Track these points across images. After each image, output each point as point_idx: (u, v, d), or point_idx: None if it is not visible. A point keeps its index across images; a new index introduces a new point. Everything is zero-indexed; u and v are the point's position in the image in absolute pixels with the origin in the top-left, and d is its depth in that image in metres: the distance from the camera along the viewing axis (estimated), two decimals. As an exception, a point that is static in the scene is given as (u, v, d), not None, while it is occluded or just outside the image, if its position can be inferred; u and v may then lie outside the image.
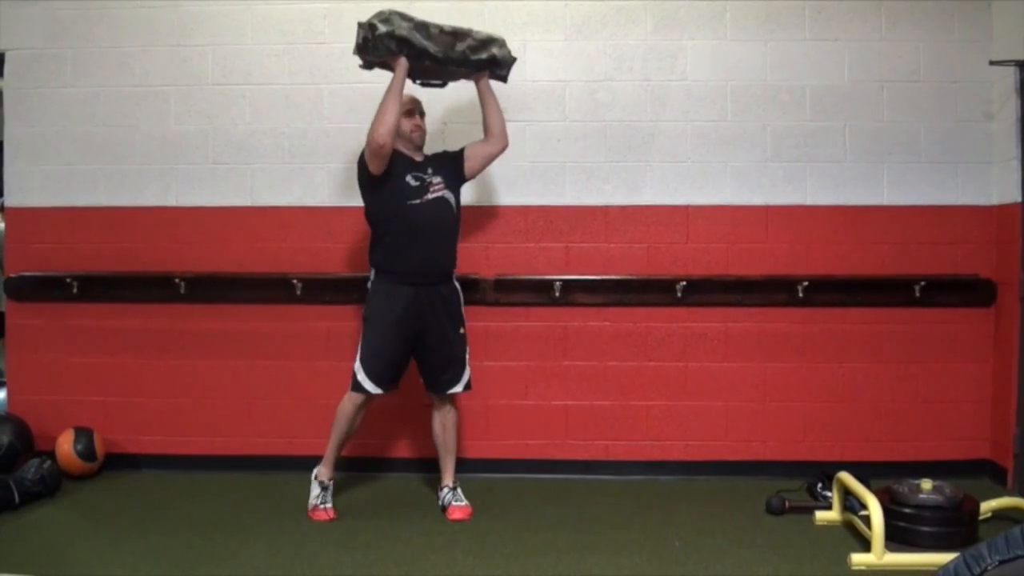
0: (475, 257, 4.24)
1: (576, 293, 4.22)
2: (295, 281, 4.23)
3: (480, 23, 4.19)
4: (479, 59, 3.63)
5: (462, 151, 3.80)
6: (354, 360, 3.63)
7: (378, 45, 3.44)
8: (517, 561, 3.16)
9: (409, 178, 3.60)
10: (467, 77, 3.75)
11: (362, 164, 3.58)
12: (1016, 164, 4.00)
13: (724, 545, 3.30)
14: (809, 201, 4.22)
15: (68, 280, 4.29)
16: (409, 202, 3.57)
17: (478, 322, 4.19)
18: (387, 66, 3.58)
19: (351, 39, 4.20)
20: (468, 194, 4.19)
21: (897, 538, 3.16)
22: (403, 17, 3.45)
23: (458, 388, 3.75)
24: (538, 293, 4.23)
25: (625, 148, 4.25)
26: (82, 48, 4.34)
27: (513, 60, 3.75)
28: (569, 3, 4.25)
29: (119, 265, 4.34)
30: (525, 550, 3.26)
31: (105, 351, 4.35)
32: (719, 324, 4.23)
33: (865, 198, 4.20)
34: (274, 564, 3.13)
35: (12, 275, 4.36)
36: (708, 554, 3.22)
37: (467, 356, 3.78)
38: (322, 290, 4.25)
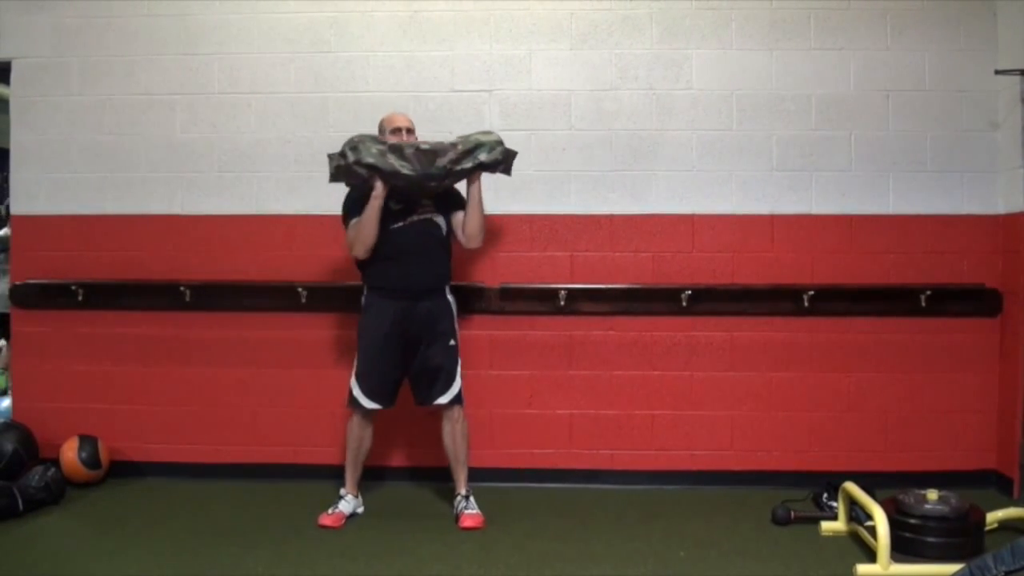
0: (480, 266, 4.25)
1: (581, 302, 4.22)
2: (300, 289, 4.23)
3: (485, 32, 4.23)
4: (464, 169, 3.63)
5: (459, 202, 3.80)
6: (350, 376, 3.73)
7: (350, 172, 3.54)
8: (521, 570, 3.16)
9: (391, 203, 3.66)
10: (460, 180, 3.73)
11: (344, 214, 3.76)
12: (1022, 173, 4.00)
13: (729, 556, 3.30)
14: (815, 210, 4.21)
15: (74, 288, 4.30)
16: (392, 226, 3.66)
17: (483, 331, 4.20)
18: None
19: (357, 47, 4.28)
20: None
21: (903, 549, 3.15)
22: (374, 141, 3.55)
23: (444, 399, 3.73)
24: (543, 302, 4.23)
25: (630, 157, 4.25)
26: (88, 57, 4.36)
27: (512, 154, 3.72)
28: (575, 12, 4.25)
29: (125, 273, 4.35)
30: (529, 560, 3.26)
31: (110, 359, 4.36)
32: (724, 333, 4.22)
33: (870, 207, 4.20)
34: (279, 572, 3.13)
35: (18, 283, 4.37)
36: (713, 565, 3.21)
37: (457, 369, 3.76)
38: (327, 298, 4.25)
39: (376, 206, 3.56)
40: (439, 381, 3.73)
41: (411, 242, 3.69)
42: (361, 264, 3.74)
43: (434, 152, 3.57)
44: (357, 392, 3.70)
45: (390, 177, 3.54)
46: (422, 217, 3.72)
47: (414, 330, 3.69)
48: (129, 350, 4.36)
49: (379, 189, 3.56)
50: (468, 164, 3.62)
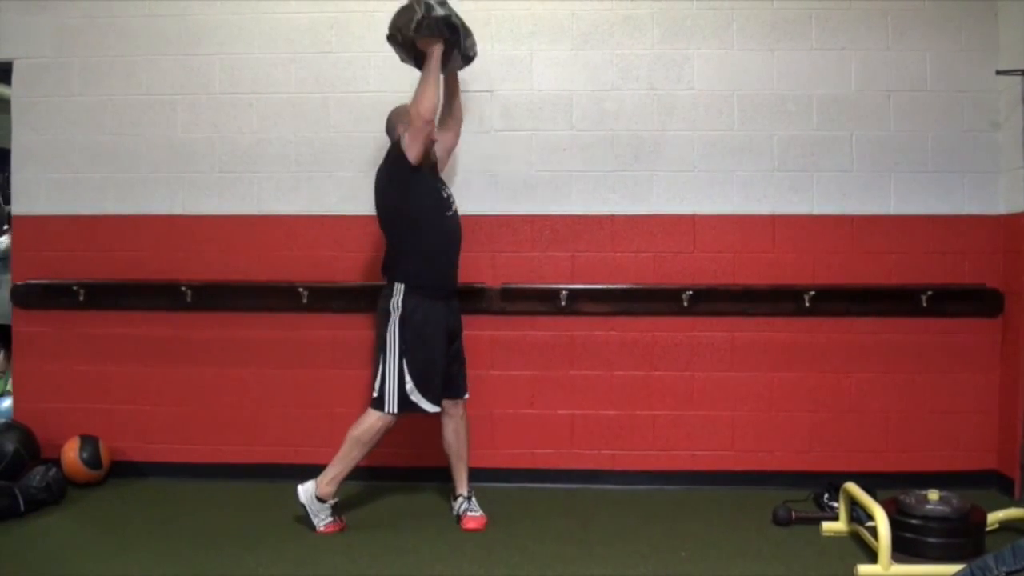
0: (481, 266, 4.24)
1: (582, 302, 4.22)
2: (301, 289, 4.23)
3: (487, 33, 4.22)
4: (473, 54, 3.70)
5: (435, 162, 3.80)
6: (386, 384, 3.51)
7: (431, 26, 3.41)
8: (522, 571, 3.16)
9: (442, 190, 3.64)
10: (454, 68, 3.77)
11: (397, 160, 3.49)
12: (1023, 173, 4.00)
13: (730, 556, 3.30)
14: (816, 210, 4.21)
15: (75, 288, 4.30)
16: (446, 213, 3.62)
17: (484, 331, 4.20)
18: (412, 52, 3.56)
19: (357, 48, 4.28)
20: (474, 202, 4.21)
21: (904, 549, 3.14)
22: (447, 4, 3.47)
23: (467, 394, 3.81)
24: (544, 302, 4.23)
25: (631, 157, 4.25)
26: (89, 57, 4.36)
27: None
28: (576, 12, 4.25)
29: (126, 273, 4.35)
30: (531, 560, 3.26)
31: (111, 359, 4.36)
32: (725, 333, 4.22)
33: (872, 207, 4.20)
34: (279, 572, 3.14)
35: (19, 283, 4.37)
36: (714, 565, 3.21)
37: None
38: (329, 299, 4.25)
39: (439, 67, 3.46)
40: (463, 376, 3.80)
41: (456, 234, 3.70)
42: (402, 261, 3.58)
43: (467, 30, 3.60)
44: (416, 397, 3.49)
45: (456, 43, 3.53)
46: (455, 208, 3.70)
47: (454, 326, 3.72)
48: (130, 350, 4.36)
49: (439, 51, 3.45)
50: (472, 52, 3.67)
